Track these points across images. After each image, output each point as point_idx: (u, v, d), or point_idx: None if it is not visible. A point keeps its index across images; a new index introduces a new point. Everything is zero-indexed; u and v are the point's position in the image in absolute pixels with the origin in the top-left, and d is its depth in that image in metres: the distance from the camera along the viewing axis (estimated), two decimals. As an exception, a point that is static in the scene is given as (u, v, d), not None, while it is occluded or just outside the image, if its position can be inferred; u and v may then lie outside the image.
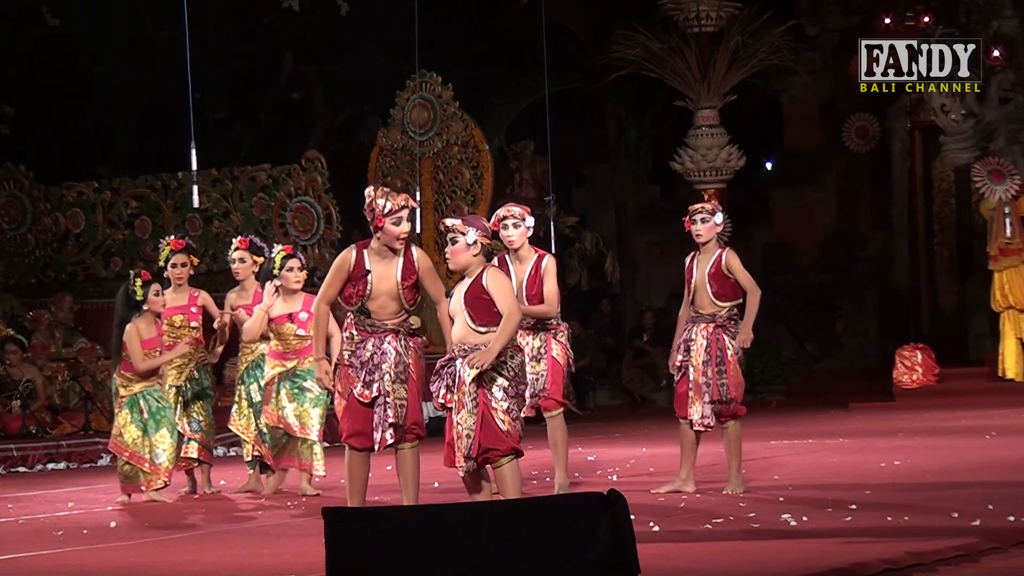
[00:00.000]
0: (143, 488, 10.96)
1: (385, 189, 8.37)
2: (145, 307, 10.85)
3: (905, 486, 9.86)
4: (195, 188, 15.20)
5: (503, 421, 7.80)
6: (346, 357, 8.30)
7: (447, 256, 8.02)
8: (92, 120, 24.74)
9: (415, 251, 8.37)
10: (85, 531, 9.46)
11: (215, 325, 11.43)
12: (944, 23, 19.72)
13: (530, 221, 10.00)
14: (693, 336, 9.99)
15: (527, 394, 9.43)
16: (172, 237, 11.92)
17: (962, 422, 15.02)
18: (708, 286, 9.98)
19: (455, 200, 18.41)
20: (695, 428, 9.95)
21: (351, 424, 8.29)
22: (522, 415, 7.96)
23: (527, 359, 9.88)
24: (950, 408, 16.57)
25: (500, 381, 7.82)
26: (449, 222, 7.98)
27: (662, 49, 20.37)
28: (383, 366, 8.20)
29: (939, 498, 9.01)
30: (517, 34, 22.39)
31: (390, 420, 8.17)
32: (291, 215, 18.48)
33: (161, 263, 11.42)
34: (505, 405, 7.82)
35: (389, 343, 8.24)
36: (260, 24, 23.93)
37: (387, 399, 8.18)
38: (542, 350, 10.03)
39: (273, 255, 11.14)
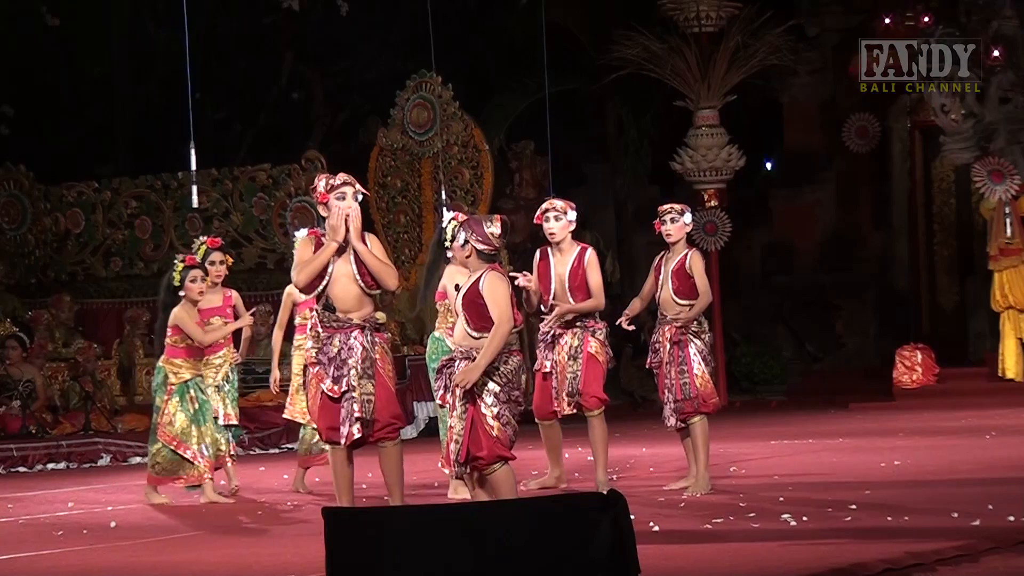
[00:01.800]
0: (182, 479, 10.80)
1: (328, 175, 8.39)
2: (181, 293, 10.69)
3: (905, 486, 9.87)
4: (195, 188, 15.21)
5: (492, 427, 7.68)
6: (313, 355, 8.28)
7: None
8: (92, 120, 24.74)
9: (367, 235, 8.38)
10: (85, 531, 9.46)
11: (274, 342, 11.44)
12: (944, 23, 19.71)
13: (572, 215, 10.07)
14: (659, 339, 10.08)
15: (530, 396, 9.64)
16: (207, 236, 11.82)
17: (962, 422, 15.02)
18: (670, 282, 10.06)
19: (455, 200, 18.40)
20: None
21: (326, 422, 8.28)
22: (513, 421, 7.82)
23: (565, 357, 9.99)
24: (950, 408, 16.56)
25: (491, 386, 7.70)
26: (460, 218, 8.03)
27: (662, 49, 20.36)
28: (349, 361, 8.18)
29: (939, 498, 9.01)
30: (517, 34, 22.38)
31: (356, 415, 8.15)
32: (291, 215, 18.48)
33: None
34: (495, 411, 7.70)
35: (355, 338, 8.22)
36: (260, 24, 23.92)
37: (353, 393, 8.17)
38: (579, 348, 10.10)
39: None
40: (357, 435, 8.18)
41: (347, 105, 24.93)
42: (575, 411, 10.19)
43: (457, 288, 8.06)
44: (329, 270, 8.22)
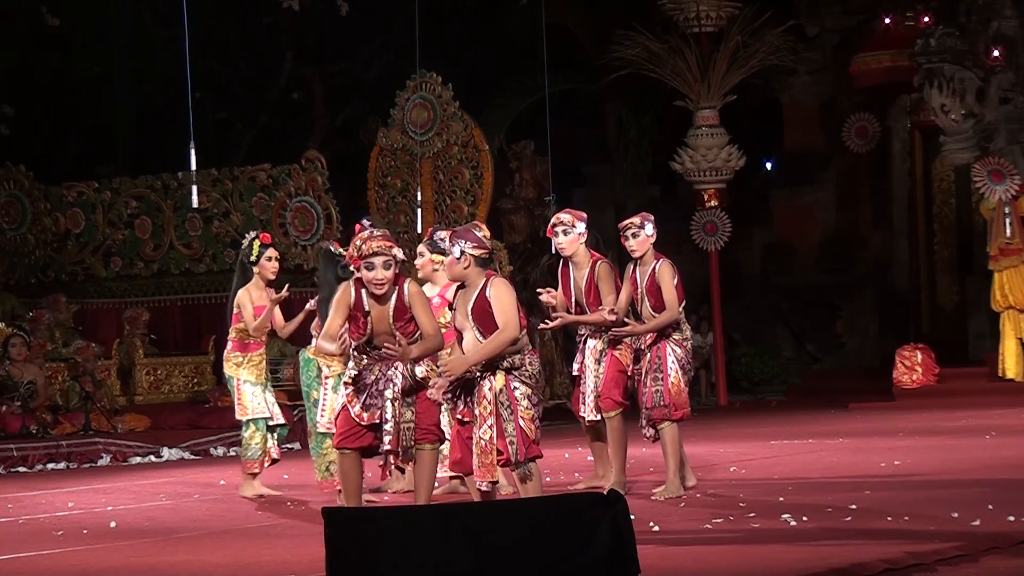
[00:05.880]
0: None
1: (372, 231, 8.21)
2: (256, 270, 10.53)
3: (905, 486, 9.86)
4: (195, 188, 15.21)
5: (531, 430, 7.87)
6: (350, 376, 8.24)
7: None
8: (92, 120, 24.76)
9: (406, 287, 8.16)
10: (85, 531, 9.46)
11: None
12: (944, 23, 19.73)
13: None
14: (642, 347, 10.05)
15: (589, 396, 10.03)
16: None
17: (962, 422, 15.02)
18: (647, 300, 9.98)
19: (455, 200, 18.40)
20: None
21: (344, 427, 8.27)
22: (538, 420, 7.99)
23: (591, 361, 10.05)
24: (950, 408, 16.57)
25: (524, 389, 7.87)
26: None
27: (662, 49, 20.38)
28: (386, 392, 8.14)
29: (939, 498, 9.01)
30: (517, 34, 22.41)
31: (386, 447, 8.14)
32: (291, 215, 18.48)
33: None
34: (531, 414, 7.87)
35: (396, 369, 8.18)
36: (260, 24, 23.96)
37: (387, 426, 8.13)
38: (604, 352, 10.14)
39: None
40: (391, 471, 8.19)
41: (347, 105, 24.95)
42: (598, 416, 10.20)
43: (451, 307, 8.08)
44: (368, 329, 8.14)
